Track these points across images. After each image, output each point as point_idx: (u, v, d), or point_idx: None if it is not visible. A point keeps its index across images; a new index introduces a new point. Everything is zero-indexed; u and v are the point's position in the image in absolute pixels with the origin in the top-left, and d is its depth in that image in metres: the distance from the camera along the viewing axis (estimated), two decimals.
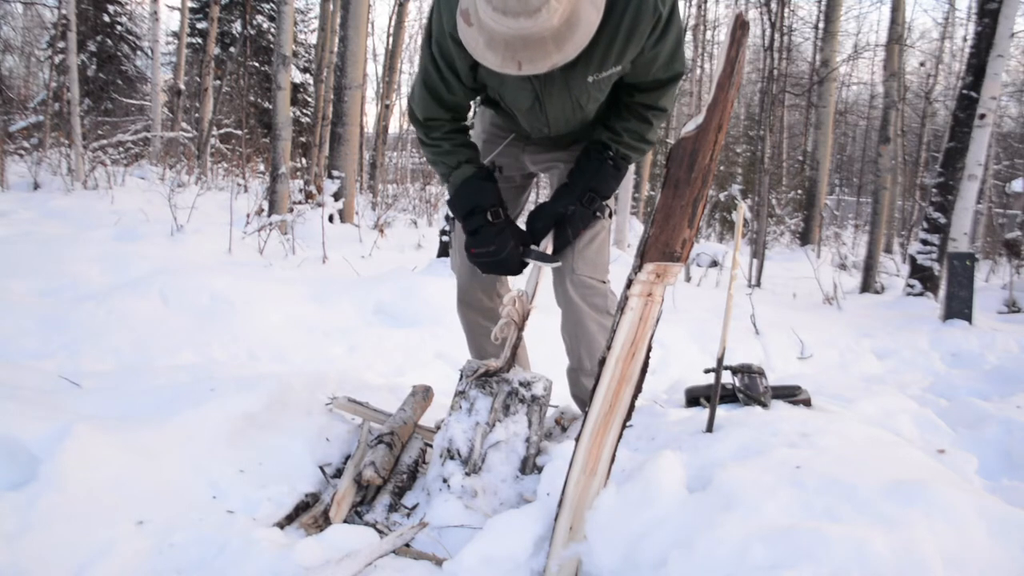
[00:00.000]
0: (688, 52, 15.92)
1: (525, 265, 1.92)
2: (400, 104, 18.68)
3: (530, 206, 2.19)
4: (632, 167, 3.04)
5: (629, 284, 1.45)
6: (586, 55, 1.65)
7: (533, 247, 1.92)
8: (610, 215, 2.06)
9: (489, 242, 1.85)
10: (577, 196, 1.90)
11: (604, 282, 2.03)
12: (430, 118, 1.87)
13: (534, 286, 1.94)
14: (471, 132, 2.05)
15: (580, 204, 1.90)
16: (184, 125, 14.27)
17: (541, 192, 10.73)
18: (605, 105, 1.89)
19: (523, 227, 1.97)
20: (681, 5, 15.09)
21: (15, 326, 3.12)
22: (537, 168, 2.19)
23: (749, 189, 12.86)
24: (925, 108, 15.20)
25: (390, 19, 14.65)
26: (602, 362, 1.44)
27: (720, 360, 1.79)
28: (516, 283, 2.09)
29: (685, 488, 1.46)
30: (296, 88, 18.14)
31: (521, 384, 1.79)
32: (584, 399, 2.06)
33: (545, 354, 2.51)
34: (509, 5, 1.40)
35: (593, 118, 1.91)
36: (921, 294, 7.10)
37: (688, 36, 14.73)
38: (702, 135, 1.43)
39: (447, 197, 1.98)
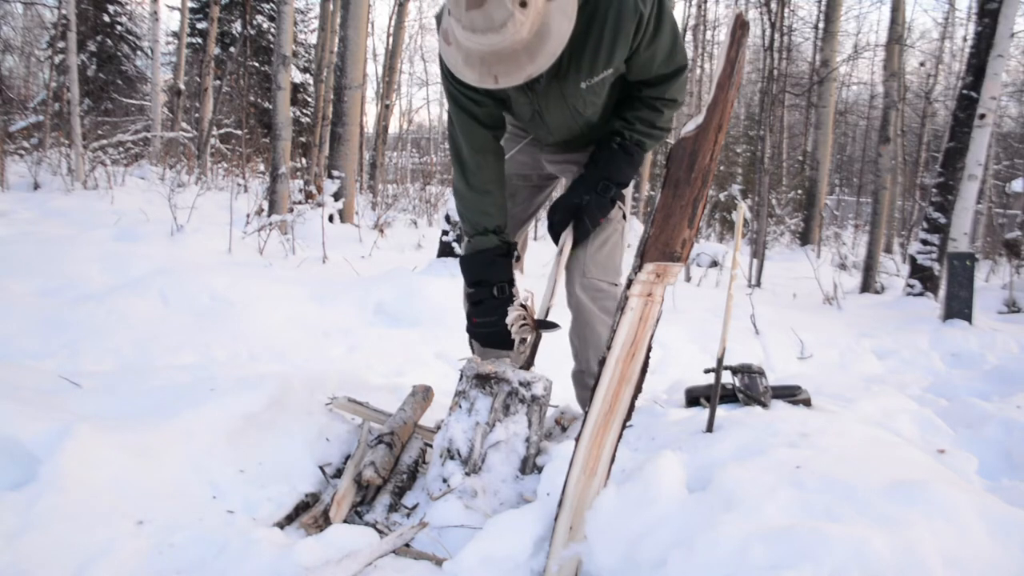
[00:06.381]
0: (688, 52, 15.90)
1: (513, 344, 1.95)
2: (400, 104, 18.70)
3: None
4: None
5: (629, 284, 1.45)
6: (575, 62, 1.71)
7: (541, 319, 1.95)
8: (624, 216, 2.09)
9: (491, 313, 1.92)
10: (592, 186, 1.93)
11: (615, 284, 2.06)
12: (471, 137, 1.88)
13: (552, 284, 1.96)
14: None
15: (596, 193, 1.93)
16: (184, 125, 14.26)
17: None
18: (613, 104, 1.93)
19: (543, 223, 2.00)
20: (681, 5, 15.17)
21: (15, 326, 3.12)
22: (554, 169, 2.22)
23: (749, 189, 12.86)
24: (925, 108, 15.21)
25: (390, 19, 14.65)
26: (602, 362, 1.44)
27: (720, 360, 1.79)
28: (524, 284, 2.10)
29: (685, 488, 1.46)
30: (296, 88, 18.12)
31: (521, 384, 1.79)
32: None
33: (547, 354, 2.51)
34: (476, 23, 1.45)
35: (598, 120, 1.94)
36: (921, 294, 7.10)
37: (688, 36, 14.72)
38: (702, 135, 1.43)
39: (459, 254, 2.02)
